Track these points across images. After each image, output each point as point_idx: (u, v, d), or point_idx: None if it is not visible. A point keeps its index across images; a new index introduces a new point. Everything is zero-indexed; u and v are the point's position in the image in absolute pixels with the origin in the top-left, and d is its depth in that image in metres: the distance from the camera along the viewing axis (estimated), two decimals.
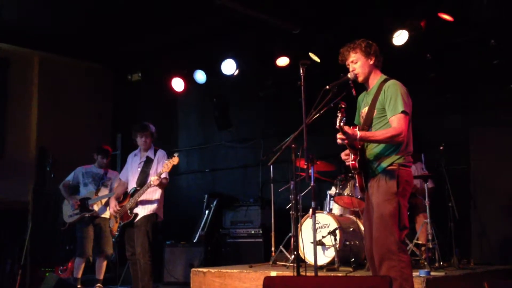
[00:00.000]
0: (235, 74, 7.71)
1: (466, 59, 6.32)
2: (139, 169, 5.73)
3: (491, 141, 6.09)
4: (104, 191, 6.60)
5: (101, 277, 6.57)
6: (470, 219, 6.04)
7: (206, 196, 8.06)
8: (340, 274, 4.79)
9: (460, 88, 6.42)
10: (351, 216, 5.72)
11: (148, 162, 5.72)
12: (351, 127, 3.51)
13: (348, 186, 5.67)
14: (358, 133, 3.47)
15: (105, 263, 6.62)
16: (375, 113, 3.64)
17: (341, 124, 3.37)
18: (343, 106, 3.37)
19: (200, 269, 5.48)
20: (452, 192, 5.61)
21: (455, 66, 6.39)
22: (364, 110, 3.74)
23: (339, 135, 3.45)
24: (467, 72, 6.34)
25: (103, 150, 6.86)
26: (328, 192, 5.92)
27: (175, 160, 5.37)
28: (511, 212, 5.89)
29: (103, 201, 6.57)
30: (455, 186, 5.69)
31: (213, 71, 7.93)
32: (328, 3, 6.83)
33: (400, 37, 6.24)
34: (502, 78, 6.07)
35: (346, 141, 3.48)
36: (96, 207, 6.61)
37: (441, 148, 5.66)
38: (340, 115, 3.35)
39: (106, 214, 6.44)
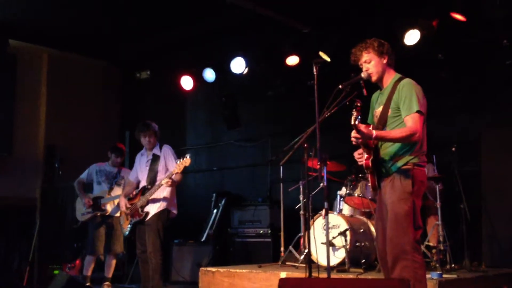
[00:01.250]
0: (245, 72, 7.67)
1: (478, 59, 6.26)
2: (147, 168, 5.72)
3: (503, 142, 6.02)
4: (117, 191, 6.54)
5: (110, 275, 6.55)
6: (482, 221, 5.97)
7: (214, 195, 8.03)
8: (351, 276, 4.74)
9: (472, 89, 6.37)
10: (362, 217, 5.67)
11: (155, 160, 5.70)
12: (365, 126, 3.47)
13: (359, 187, 5.63)
14: (374, 132, 3.43)
15: (114, 261, 6.59)
16: (389, 112, 3.59)
17: (356, 122, 3.33)
18: (358, 104, 3.34)
19: (209, 269, 5.43)
20: (464, 193, 5.55)
21: (467, 66, 6.34)
22: (379, 109, 3.69)
23: (353, 134, 3.40)
24: (479, 72, 6.28)
25: (117, 149, 6.81)
26: (338, 192, 5.88)
27: (187, 161, 5.33)
28: None
29: (116, 201, 6.48)
30: (466, 188, 5.63)
31: (222, 70, 7.89)
32: (339, 2, 6.78)
33: (412, 37, 6.19)
34: None
35: (360, 140, 3.43)
36: (109, 207, 6.57)
37: (453, 149, 5.60)
38: (355, 114, 3.32)
39: (119, 214, 6.42)
